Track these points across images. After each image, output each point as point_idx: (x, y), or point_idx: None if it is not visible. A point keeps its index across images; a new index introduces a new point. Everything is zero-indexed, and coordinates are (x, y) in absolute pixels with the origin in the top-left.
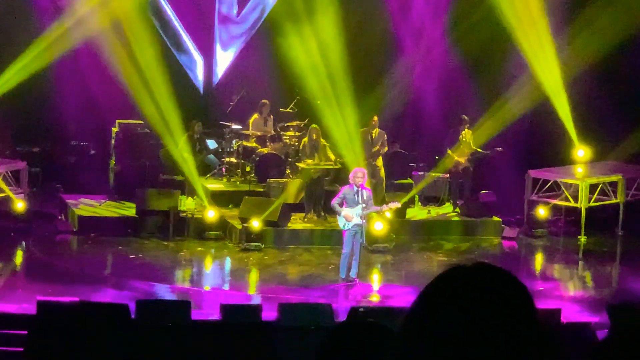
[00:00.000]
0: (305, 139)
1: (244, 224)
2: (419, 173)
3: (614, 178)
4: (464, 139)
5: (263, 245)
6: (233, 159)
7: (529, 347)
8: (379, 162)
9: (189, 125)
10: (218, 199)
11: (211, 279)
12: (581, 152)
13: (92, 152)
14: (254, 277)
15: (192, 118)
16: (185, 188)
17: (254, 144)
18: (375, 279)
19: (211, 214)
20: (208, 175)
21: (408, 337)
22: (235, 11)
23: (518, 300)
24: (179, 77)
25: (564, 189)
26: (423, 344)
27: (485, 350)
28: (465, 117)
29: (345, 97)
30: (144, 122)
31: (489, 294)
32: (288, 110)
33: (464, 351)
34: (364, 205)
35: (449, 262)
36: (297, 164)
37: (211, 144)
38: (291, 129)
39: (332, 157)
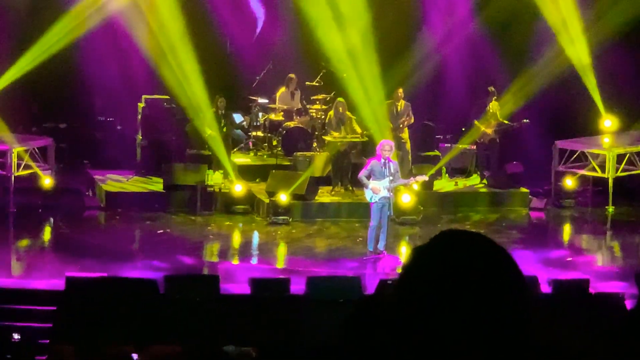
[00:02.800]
0: (332, 112)
1: (272, 198)
2: (446, 145)
3: None
4: (490, 111)
5: (290, 219)
6: (260, 133)
7: (514, 309)
8: (405, 134)
9: (213, 102)
10: (245, 173)
11: (239, 253)
12: (608, 122)
13: (119, 127)
14: (282, 250)
15: (218, 93)
16: (212, 162)
17: (281, 118)
18: (403, 252)
19: (238, 188)
20: (235, 150)
21: (398, 307)
22: None
23: (496, 262)
24: (205, 51)
25: (591, 159)
26: (410, 315)
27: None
28: (493, 89)
29: (370, 70)
30: (170, 97)
31: (465, 260)
32: (314, 83)
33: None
34: (391, 177)
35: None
36: (323, 137)
37: (237, 117)
38: (317, 102)
39: (359, 130)
